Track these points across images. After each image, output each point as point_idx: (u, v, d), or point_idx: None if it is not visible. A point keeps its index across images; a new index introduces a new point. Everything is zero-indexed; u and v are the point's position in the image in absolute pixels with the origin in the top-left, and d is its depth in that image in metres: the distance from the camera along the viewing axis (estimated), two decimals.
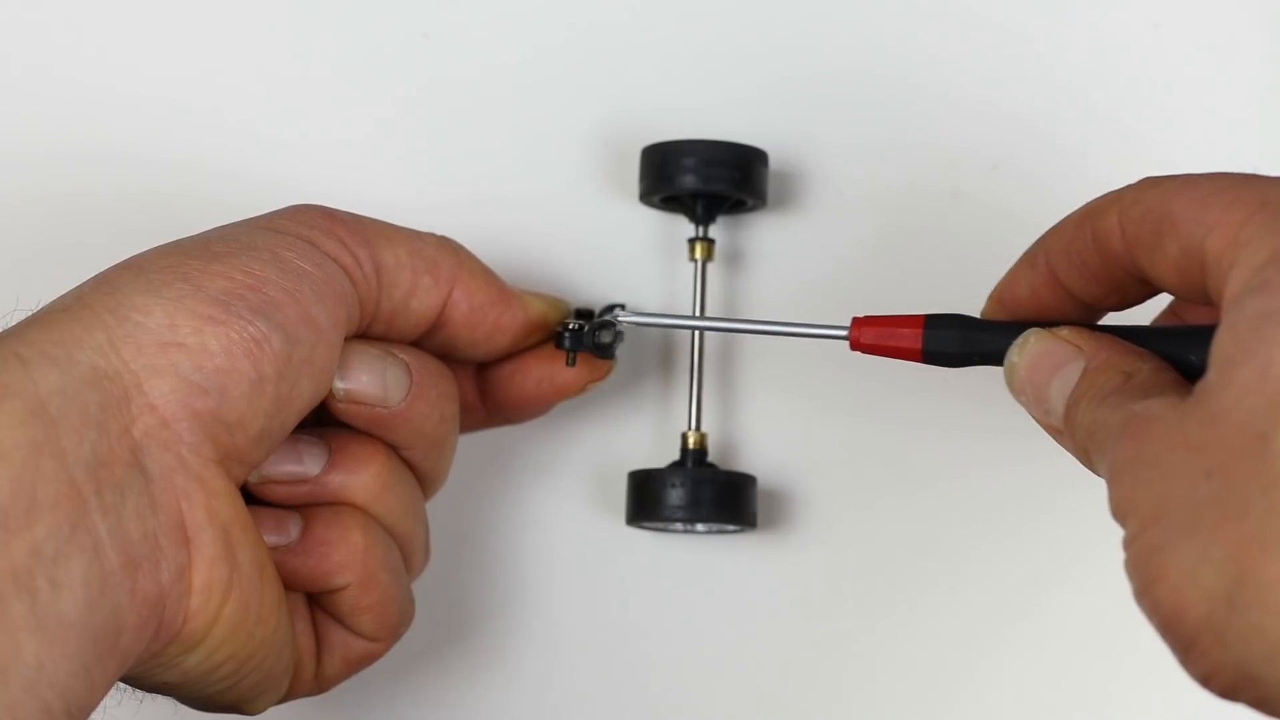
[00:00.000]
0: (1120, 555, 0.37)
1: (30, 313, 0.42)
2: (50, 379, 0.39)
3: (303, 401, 0.44)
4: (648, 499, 0.52)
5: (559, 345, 0.50)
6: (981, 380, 0.54)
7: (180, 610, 0.42)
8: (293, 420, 0.44)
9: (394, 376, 0.47)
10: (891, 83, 0.56)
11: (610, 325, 0.51)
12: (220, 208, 0.54)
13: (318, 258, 0.44)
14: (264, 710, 0.46)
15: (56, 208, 0.56)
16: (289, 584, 0.46)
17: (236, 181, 0.56)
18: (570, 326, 0.50)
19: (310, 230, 0.45)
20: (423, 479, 0.49)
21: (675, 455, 0.53)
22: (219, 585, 0.42)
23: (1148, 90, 0.55)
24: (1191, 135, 0.55)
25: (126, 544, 0.40)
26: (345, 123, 0.57)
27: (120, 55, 0.57)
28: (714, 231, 0.53)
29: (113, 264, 0.44)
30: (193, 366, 0.41)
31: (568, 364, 0.51)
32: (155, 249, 0.44)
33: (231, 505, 0.43)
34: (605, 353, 0.51)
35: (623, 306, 0.52)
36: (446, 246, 0.48)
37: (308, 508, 0.47)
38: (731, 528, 0.53)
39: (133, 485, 0.41)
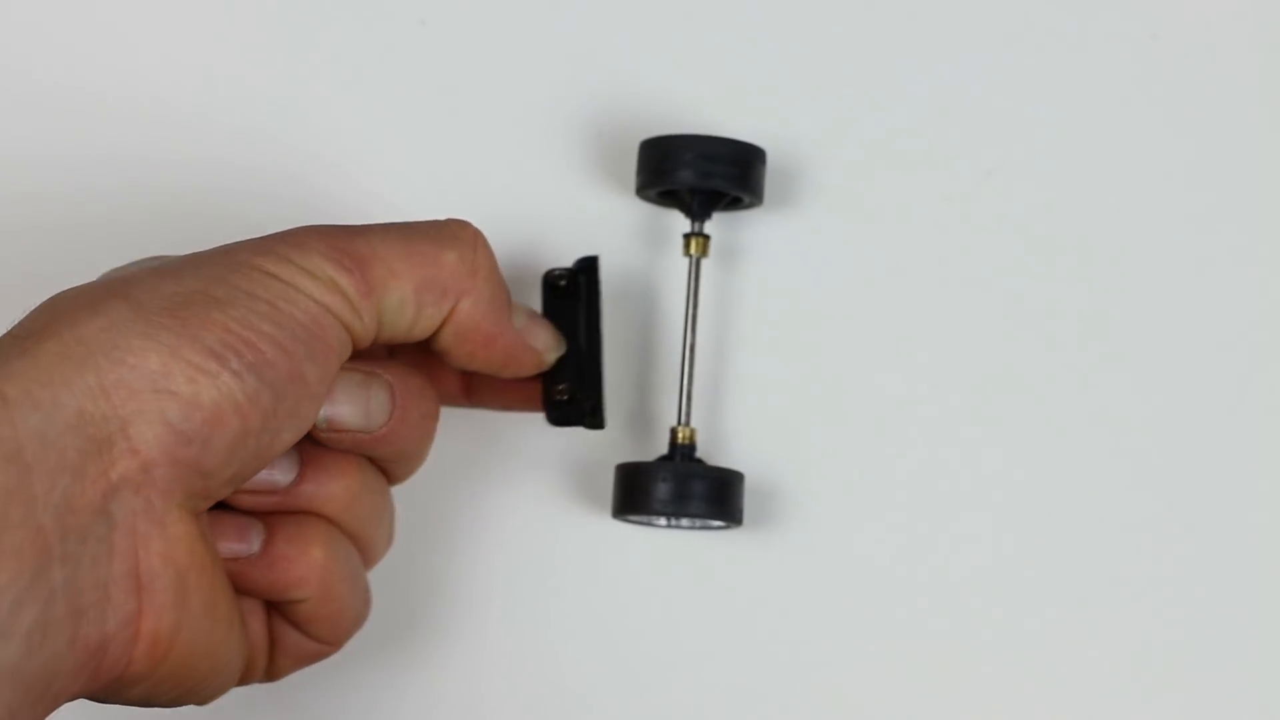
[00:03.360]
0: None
1: (20, 323, 0.41)
2: (31, 423, 0.39)
3: (281, 446, 0.44)
4: (634, 492, 0.52)
5: (548, 417, 0.51)
6: (972, 380, 0.55)
7: (124, 656, 0.41)
8: (267, 462, 0.44)
9: (377, 402, 0.47)
10: (890, 86, 0.56)
11: (598, 413, 0.51)
12: (215, 198, 0.54)
13: (316, 311, 0.43)
14: (212, 701, 0.45)
15: (53, 203, 0.56)
16: (247, 592, 0.46)
17: (231, 170, 0.56)
18: (563, 396, 0.51)
19: (313, 281, 0.44)
20: (394, 478, 0.49)
21: (663, 450, 0.53)
22: (166, 631, 0.42)
23: (1145, 100, 0.56)
24: (1189, 146, 0.55)
25: (76, 592, 0.40)
26: (340, 111, 0.56)
27: (113, 45, 0.57)
28: (709, 227, 0.53)
29: (110, 273, 0.44)
30: (181, 416, 0.41)
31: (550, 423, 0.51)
32: (154, 273, 0.43)
33: (189, 550, 0.42)
34: (593, 425, 0.51)
35: (594, 260, 0.52)
36: (464, 268, 0.47)
37: (272, 516, 0.47)
38: (717, 524, 0.53)
39: (94, 531, 0.40)
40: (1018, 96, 0.56)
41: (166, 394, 0.41)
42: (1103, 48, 0.56)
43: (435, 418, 0.49)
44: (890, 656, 0.54)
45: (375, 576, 0.55)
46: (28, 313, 0.43)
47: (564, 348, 0.51)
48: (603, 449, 0.54)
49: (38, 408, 0.39)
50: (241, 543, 0.46)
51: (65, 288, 0.44)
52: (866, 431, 0.54)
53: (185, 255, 0.44)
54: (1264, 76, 0.56)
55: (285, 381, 0.42)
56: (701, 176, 0.52)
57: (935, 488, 0.54)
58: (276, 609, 0.47)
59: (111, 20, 0.57)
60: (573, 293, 0.52)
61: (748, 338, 0.55)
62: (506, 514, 0.55)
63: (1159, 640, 0.54)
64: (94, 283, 0.43)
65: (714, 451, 0.54)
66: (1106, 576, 0.54)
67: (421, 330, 0.47)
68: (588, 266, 0.52)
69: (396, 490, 0.54)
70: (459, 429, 0.55)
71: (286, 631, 0.48)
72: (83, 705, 0.44)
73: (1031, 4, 0.56)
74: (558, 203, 0.55)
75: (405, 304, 0.46)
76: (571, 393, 0.51)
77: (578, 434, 0.54)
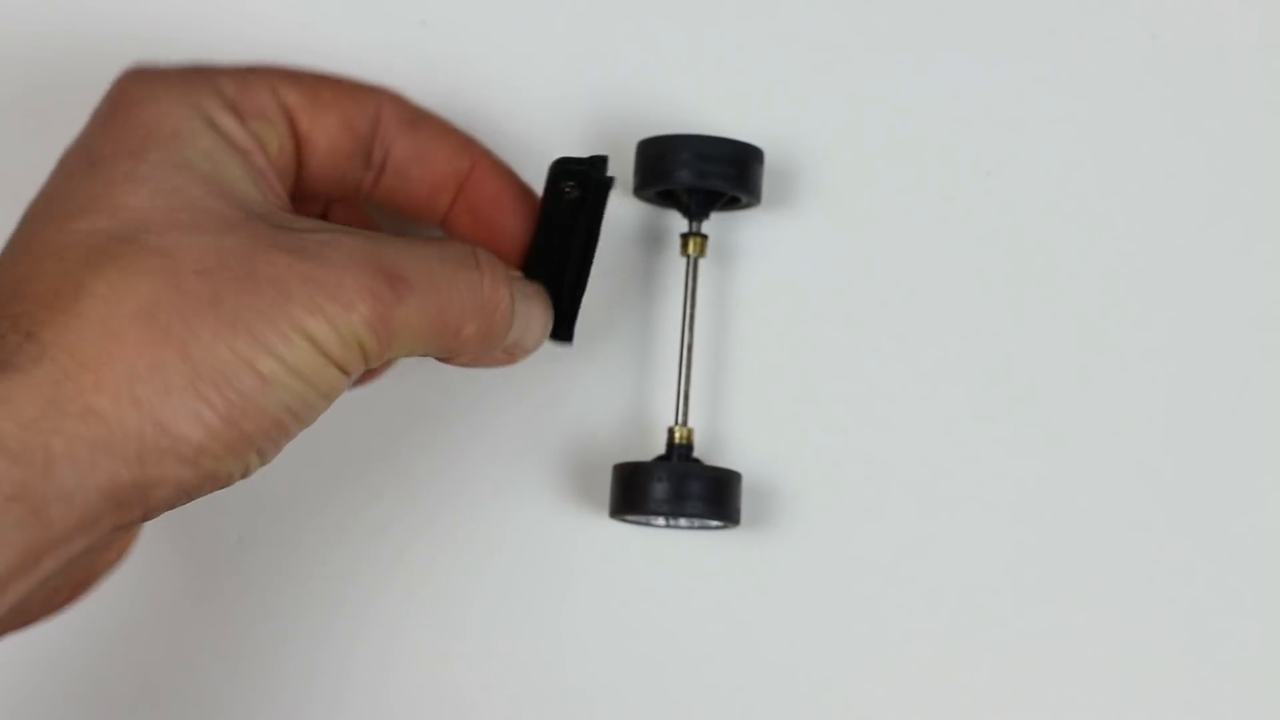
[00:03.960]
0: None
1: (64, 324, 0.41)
2: (64, 482, 0.40)
3: None
4: (632, 492, 0.52)
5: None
6: (971, 380, 0.55)
7: (35, 624, 0.43)
8: None
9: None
10: (890, 86, 0.56)
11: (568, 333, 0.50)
12: None
13: (340, 383, 0.44)
14: None
15: None
16: None
17: None
18: None
19: (345, 350, 0.44)
20: None
21: (661, 450, 0.53)
22: (77, 600, 0.44)
23: (1145, 100, 0.56)
24: (1189, 145, 0.55)
25: (27, 597, 0.41)
26: None
27: (113, 45, 0.57)
28: (707, 227, 0.53)
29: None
30: (195, 483, 0.42)
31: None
32: (209, 315, 0.42)
33: (130, 543, 0.45)
34: (560, 342, 0.51)
35: (609, 181, 0.51)
36: (478, 337, 0.47)
37: None
38: (715, 524, 0.53)
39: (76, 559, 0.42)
40: (1018, 96, 0.56)
41: (192, 466, 0.42)
42: (1103, 48, 0.56)
43: None
44: (888, 656, 0.54)
45: (373, 577, 0.55)
46: (67, 304, 0.42)
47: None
48: (600, 449, 0.54)
49: (75, 465, 0.40)
50: None
51: None
52: (864, 431, 0.54)
53: (239, 262, 0.43)
54: (1264, 76, 0.56)
55: (282, 445, 0.44)
56: (699, 176, 0.52)
57: (933, 487, 0.54)
58: None
59: (113, 22, 0.57)
60: (577, 207, 0.51)
61: (745, 337, 0.55)
62: (504, 514, 0.55)
63: (1159, 640, 0.54)
64: (149, 294, 0.42)
65: (711, 451, 0.54)
66: (1105, 576, 0.54)
67: None
68: (599, 183, 0.50)
69: (392, 493, 0.55)
70: (457, 428, 0.55)
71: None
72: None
73: (1031, 4, 0.56)
74: None
75: (411, 353, 0.46)
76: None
77: (575, 434, 0.55)
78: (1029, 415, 0.54)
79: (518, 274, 0.50)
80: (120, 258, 0.42)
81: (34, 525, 0.40)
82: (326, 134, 0.47)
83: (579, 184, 0.50)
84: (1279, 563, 0.54)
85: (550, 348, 0.51)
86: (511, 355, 0.50)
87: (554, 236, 0.50)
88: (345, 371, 0.44)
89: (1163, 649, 0.54)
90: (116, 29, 0.57)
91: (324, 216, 0.51)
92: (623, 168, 0.54)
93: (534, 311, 0.50)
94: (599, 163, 0.50)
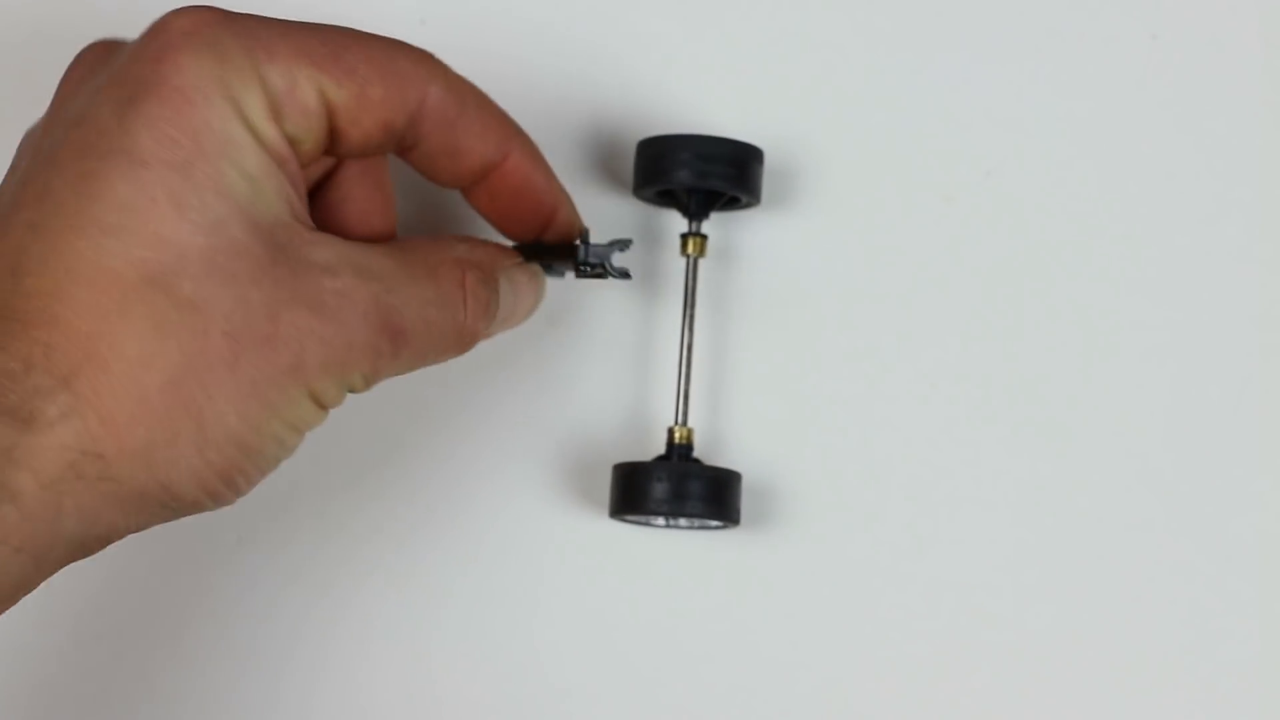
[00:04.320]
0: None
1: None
2: (70, 531, 0.42)
3: None
4: (632, 492, 0.52)
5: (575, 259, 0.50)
6: (971, 380, 0.55)
7: None
8: None
9: None
10: (890, 86, 0.56)
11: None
12: None
13: (318, 419, 0.45)
14: None
15: None
16: None
17: None
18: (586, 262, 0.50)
19: (338, 394, 0.45)
20: None
21: (661, 450, 0.53)
22: None
23: (1144, 100, 0.56)
24: (1189, 145, 0.55)
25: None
26: None
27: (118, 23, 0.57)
28: (707, 227, 0.53)
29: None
30: (174, 515, 0.44)
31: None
32: (225, 377, 0.43)
33: None
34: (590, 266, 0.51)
35: (625, 245, 0.51)
36: (446, 358, 0.48)
37: None
38: (715, 524, 0.53)
39: None
40: (1018, 96, 0.56)
41: (179, 515, 0.44)
42: (1103, 48, 0.56)
43: None
44: (888, 656, 0.54)
45: (372, 577, 0.55)
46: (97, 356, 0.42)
47: None
48: (600, 449, 0.54)
49: (81, 519, 0.42)
50: None
51: None
52: (864, 431, 0.54)
53: (264, 320, 0.43)
54: (1264, 76, 0.55)
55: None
56: (699, 176, 0.52)
57: (933, 487, 0.54)
58: None
59: (117, 22, 0.57)
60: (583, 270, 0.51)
61: (745, 337, 0.55)
62: (504, 514, 0.55)
63: (1159, 640, 0.54)
64: (178, 360, 0.43)
65: (711, 451, 0.54)
66: (1106, 577, 0.54)
67: None
68: (615, 272, 0.51)
69: (391, 493, 0.55)
70: (457, 428, 0.55)
71: None
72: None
73: (1031, 4, 0.56)
74: None
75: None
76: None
77: (575, 434, 0.55)
78: (1029, 415, 0.54)
79: (515, 260, 0.50)
80: (154, 313, 0.42)
81: (32, 569, 0.42)
82: (361, 132, 0.47)
83: (592, 271, 0.50)
84: (1279, 563, 0.54)
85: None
86: (489, 334, 0.50)
87: (560, 265, 0.51)
88: (327, 410, 0.45)
89: (1163, 649, 0.54)
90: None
91: (338, 167, 0.50)
92: (622, 168, 0.54)
93: (523, 295, 0.50)
94: (622, 246, 0.50)
